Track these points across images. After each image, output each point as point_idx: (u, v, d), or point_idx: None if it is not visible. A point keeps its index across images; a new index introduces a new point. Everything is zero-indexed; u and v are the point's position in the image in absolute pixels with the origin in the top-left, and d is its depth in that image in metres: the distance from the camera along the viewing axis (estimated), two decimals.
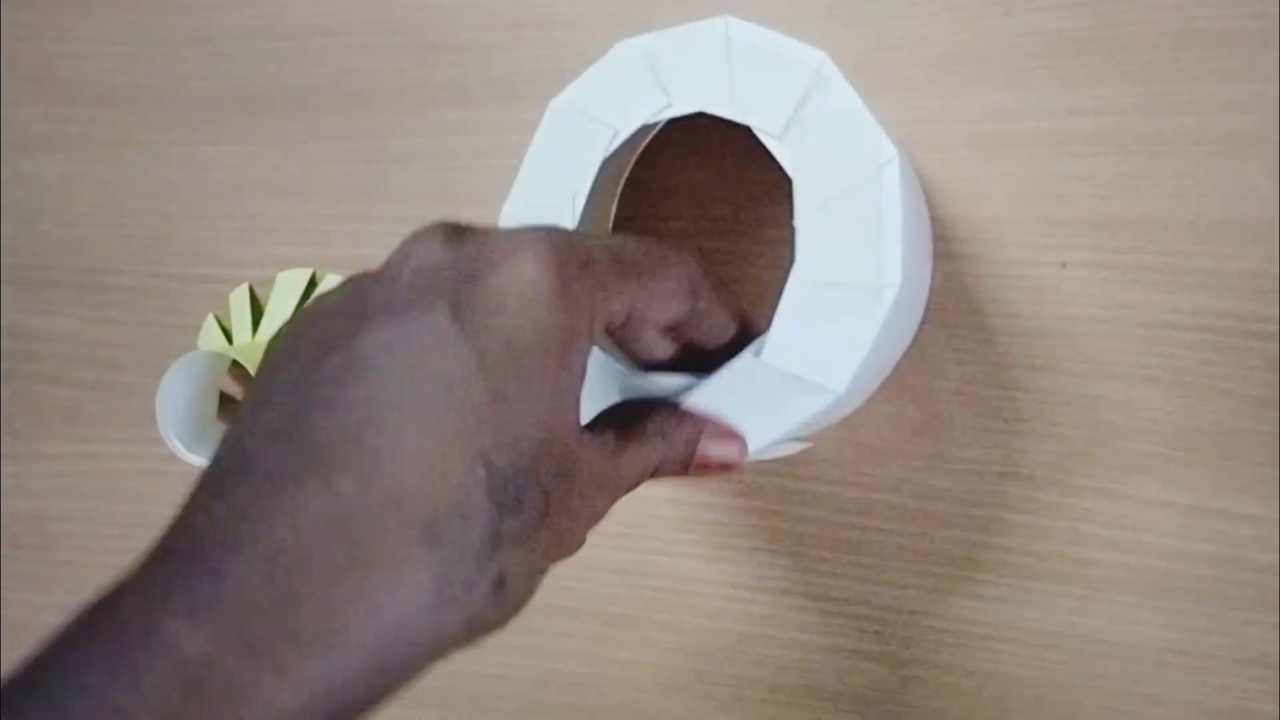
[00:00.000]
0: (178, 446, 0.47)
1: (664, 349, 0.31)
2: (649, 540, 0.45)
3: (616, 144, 0.34)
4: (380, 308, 0.22)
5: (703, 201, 0.44)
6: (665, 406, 0.30)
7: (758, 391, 0.31)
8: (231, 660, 0.18)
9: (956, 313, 0.41)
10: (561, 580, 0.47)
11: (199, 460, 0.47)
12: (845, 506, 0.43)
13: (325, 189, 0.49)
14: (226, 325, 0.51)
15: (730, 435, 0.31)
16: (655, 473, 0.29)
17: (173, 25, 0.51)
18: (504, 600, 0.22)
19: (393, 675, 0.22)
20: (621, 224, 0.42)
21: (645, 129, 0.34)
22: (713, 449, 0.30)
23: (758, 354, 0.31)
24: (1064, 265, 0.40)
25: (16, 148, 0.54)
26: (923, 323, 0.41)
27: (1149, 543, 0.39)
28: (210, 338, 0.51)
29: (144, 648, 0.18)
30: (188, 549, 0.19)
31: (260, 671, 0.18)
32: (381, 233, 0.49)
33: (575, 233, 0.25)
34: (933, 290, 0.41)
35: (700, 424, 0.30)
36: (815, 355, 0.31)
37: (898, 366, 0.41)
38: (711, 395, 0.31)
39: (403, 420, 0.20)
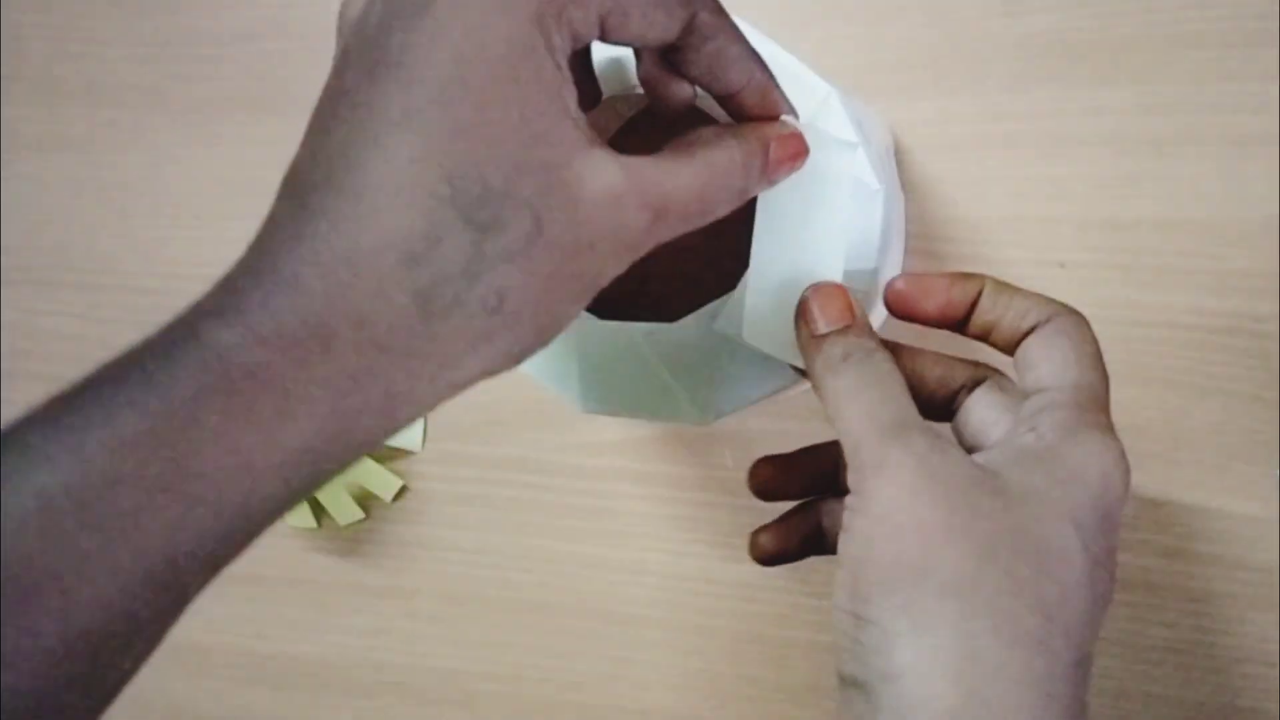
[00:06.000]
0: None
1: (677, 86, 0.27)
2: (649, 540, 0.45)
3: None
4: (349, 45, 0.23)
5: None
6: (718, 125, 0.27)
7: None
8: (262, 354, 0.20)
9: None
10: (562, 579, 0.47)
11: None
12: None
13: None
14: None
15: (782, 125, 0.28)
16: (736, 187, 0.26)
17: (173, 26, 0.51)
18: (513, 321, 0.22)
19: (406, 409, 0.23)
20: None
21: (617, 109, 0.34)
22: (787, 146, 0.27)
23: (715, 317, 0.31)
24: (1063, 265, 0.40)
25: (17, 148, 0.54)
26: None
27: (1149, 542, 0.39)
28: None
29: (183, 344, 0.21)
30: (231, 274, 0.22)
31: (285, 363, 0.21)
32: None
33: None
34: None
35: (765, 123, 0.27)
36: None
37: None
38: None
39: (374, 156, 0.21)
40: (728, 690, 0.44)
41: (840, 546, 0.25)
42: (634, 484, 0.45)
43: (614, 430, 0.45)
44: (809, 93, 0.31)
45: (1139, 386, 0.39)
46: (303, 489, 0.22)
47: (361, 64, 0.22)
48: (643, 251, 0.24)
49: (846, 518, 0.25)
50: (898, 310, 0.30)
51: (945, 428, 0.30)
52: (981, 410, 0.29)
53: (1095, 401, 0.27)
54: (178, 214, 0.52)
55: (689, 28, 0.25)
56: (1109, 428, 0.27)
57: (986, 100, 0.40)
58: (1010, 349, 0.29)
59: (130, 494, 0.20)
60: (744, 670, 0.44)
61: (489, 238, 0.21)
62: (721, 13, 0.26)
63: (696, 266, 0.33)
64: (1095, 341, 0.28)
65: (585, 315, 0.32)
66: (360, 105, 0.22)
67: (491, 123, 0.21)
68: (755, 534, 0.34)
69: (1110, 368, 0.40)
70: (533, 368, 0.34)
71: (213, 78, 0.51)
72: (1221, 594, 0.39)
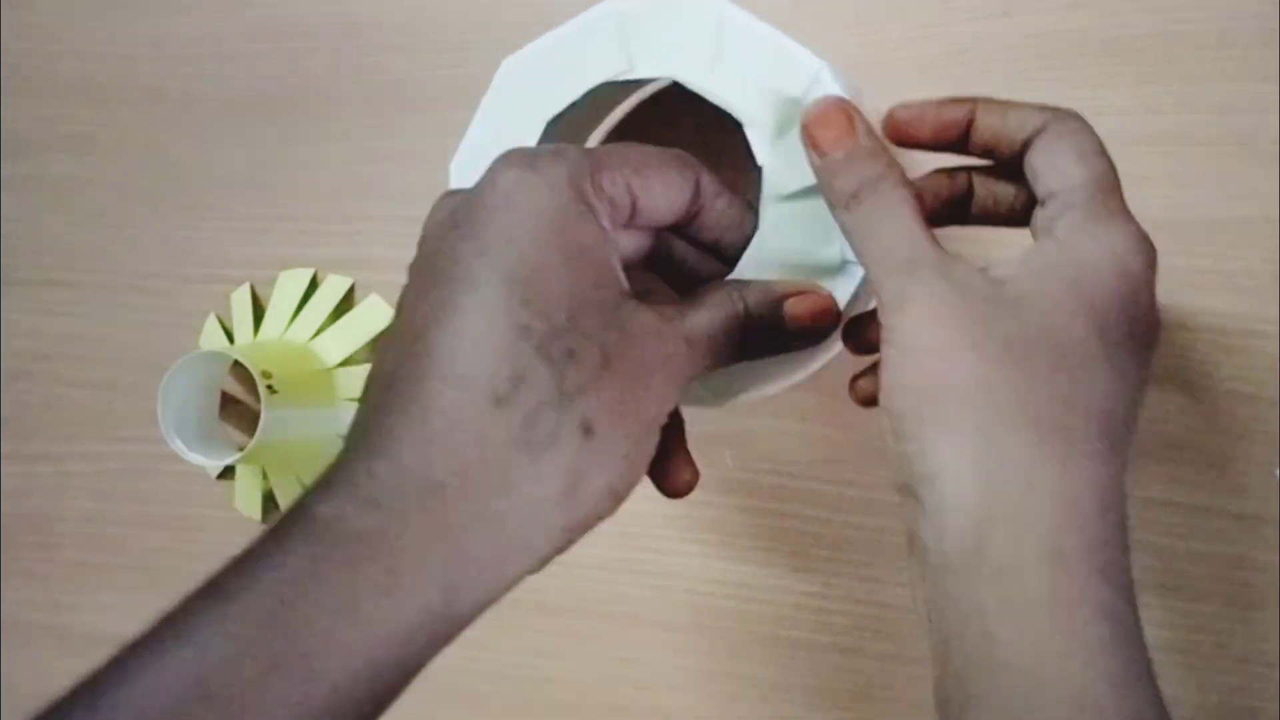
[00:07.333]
0: (179, 446, 0.47)
1: (704, 263, 0.32)
2: (649, 540, 0.45)
3: (563, 105, 0.33)
4: (425, 246, 0.27)
5: None
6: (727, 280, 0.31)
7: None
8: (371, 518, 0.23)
9: None
10: (562, 580, 0.47)
11: (200, 460, 0.47)
12: (845, 506, 0.43)
13: (325, 189, 0.49)
14: (228, 325, 0.51)
15: (809, 286, 0.31)
16: (746, 331, 0.29)
17: (173, 26, 0.51)
18: (602, 449, 0.25)
19: (516, 560, 0.25)
20: None
21: (608, 99, 0.34)
22: (800, 302, 0.30)
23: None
24: None
25: (16, 148, 0.54)
26: None
27: (1149, 542, 0.39)
28: (212, 337, 0.51)
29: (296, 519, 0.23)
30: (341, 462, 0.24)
31: (392, 525, 0.23)
32: (381, 233, 0.49)
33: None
34: None
35: (770, 284, 0.30)
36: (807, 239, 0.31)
37: None
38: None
39: (454, 319, 0.24)
40: (728, 690, 0.44)
41: (880, 374, 0.28)
42: None
43: None
44: (799, 69, 0.31)
45: None
46: (417, 665, 0.25)
47: (443, 241, 0.26)
48: (688, 384, 0.28)
49: (882, 349, 0.28)
50: (895, 138, 0.31)
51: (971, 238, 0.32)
52: (1039, 161, 0.30)
53: (1103, 192, 0.28)
54: (177, 214, 0.52)
55: (698, 191, 0.30)
56: (1121, 212, 0.28)
57: None
58: (1017, 163, 0.30)
59: (251, 668, 0.22)
60: (744, 670, 0.44)
61: (568, 370, 0.24)
62: (715, 179, 0.30)
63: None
64: (1094, 136, 0.29)
65: None
66: (443, 274, 0.25)
67: (550, 272, 0.25)
68: (855, 378, 0.34)
69: None
70: None
71: (213, 78, 0.51)
72: (1222, 594, 0.39)
